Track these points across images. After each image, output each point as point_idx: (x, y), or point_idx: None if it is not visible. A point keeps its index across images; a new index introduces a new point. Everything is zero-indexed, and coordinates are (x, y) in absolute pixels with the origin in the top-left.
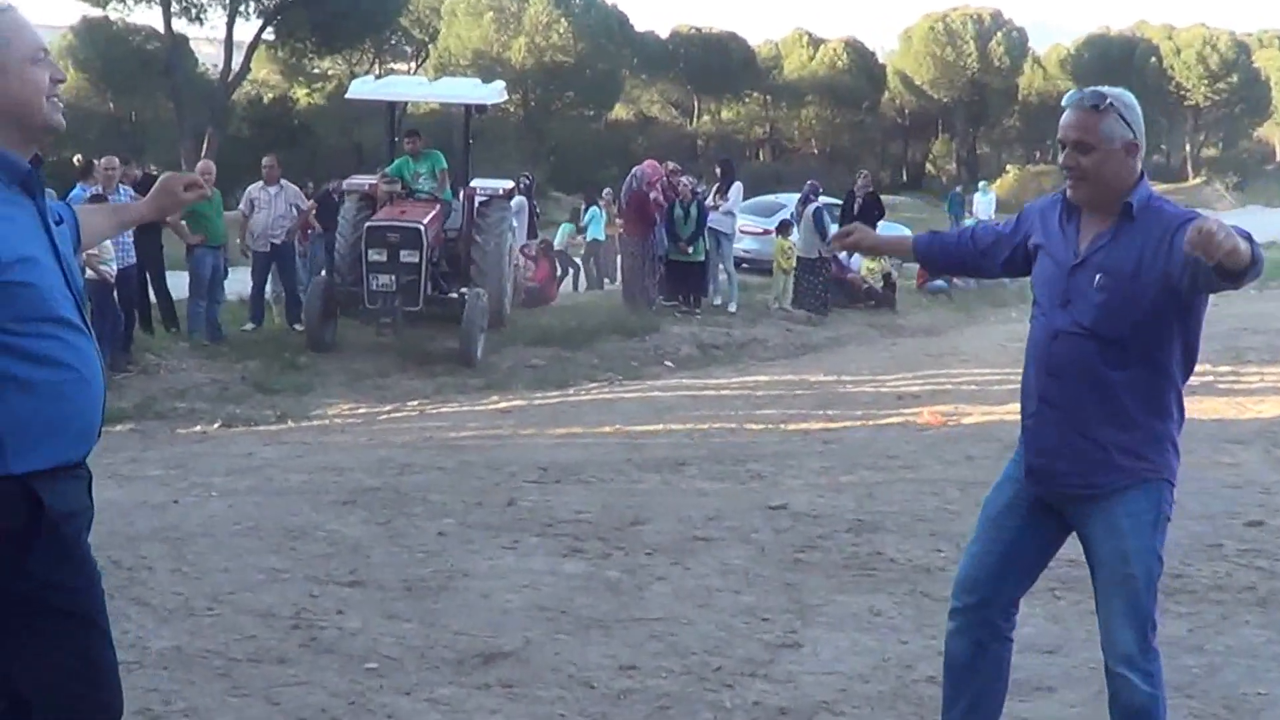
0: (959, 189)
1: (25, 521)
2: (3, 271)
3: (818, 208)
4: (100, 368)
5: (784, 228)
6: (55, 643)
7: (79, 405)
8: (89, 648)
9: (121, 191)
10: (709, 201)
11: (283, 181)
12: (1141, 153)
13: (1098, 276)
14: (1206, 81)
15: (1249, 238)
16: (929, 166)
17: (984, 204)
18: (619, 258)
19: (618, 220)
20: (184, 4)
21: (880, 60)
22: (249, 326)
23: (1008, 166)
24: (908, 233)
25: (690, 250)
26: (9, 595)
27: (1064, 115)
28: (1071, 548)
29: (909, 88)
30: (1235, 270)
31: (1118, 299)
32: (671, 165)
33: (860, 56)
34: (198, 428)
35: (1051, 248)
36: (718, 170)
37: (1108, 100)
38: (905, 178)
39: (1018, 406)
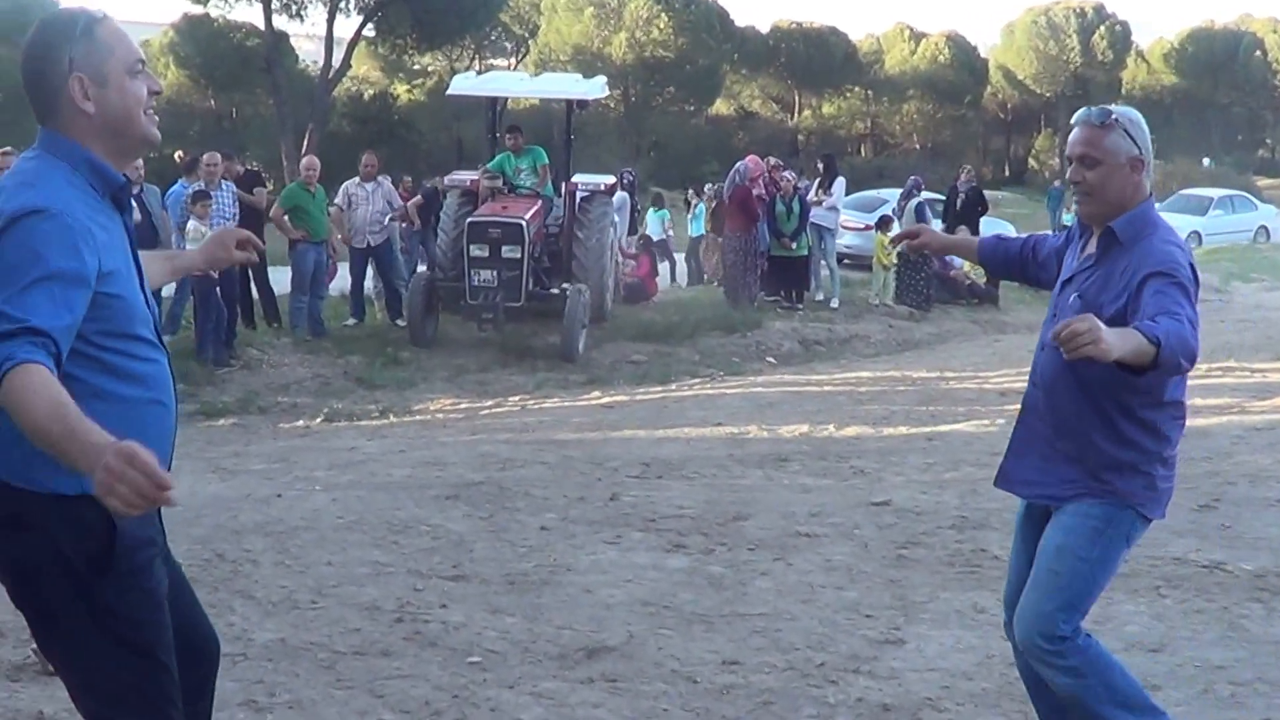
0: (1058, 184)
1: (102, 545)
2: (100, 281)
3: (920, 203)
4: (175, 393)
5: (884, 223)
6: (109, 671)
7: (160, 428)
8: (143, 679)
9: (224, 187)
10: (811, 197)
11: (379, 178)
12: (1148, 170)
13: (1074, 296)
14: None
15: (1161, 339)
16: (1032, 161)
17: None
18: (716, 253)
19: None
20: (284, 1)
21: (982, 54)
22: (350, 322)
23: None
24: (1010, 229)
25: (794, 245)
26: (71, 617)
27: (1072, 133)
28: (1175, 545)
29: (1011, 82)
30: (1135, 367)
31: None
32: (773, 161)
33: (962, 50)
34: (300, 422)
35: (1064, 263)
36: (820, 165)
37: (1113, 116)
38: (1008, 173)
39: None
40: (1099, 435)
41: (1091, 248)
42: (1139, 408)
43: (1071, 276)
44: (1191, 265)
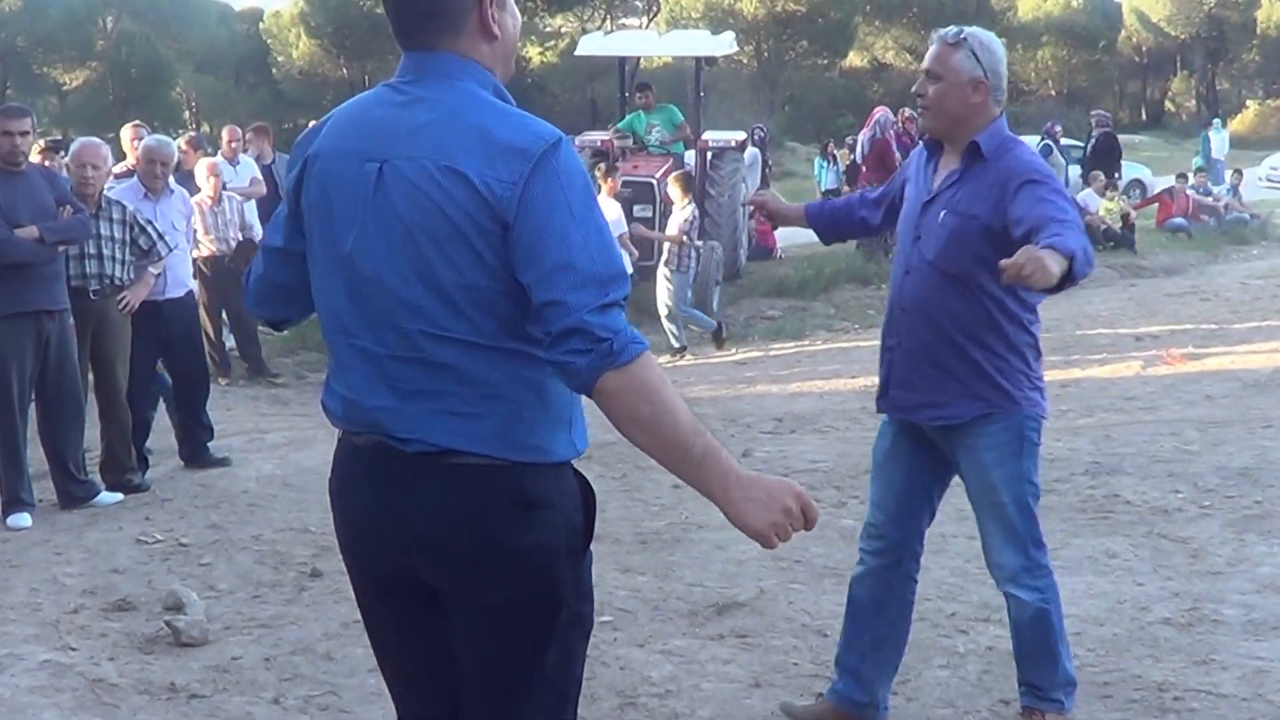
0: (1213, 122)
1: (586, 515)
2: None
3: (1045, 145)
4: None
5: None
6: (575, 659)
7: None
8: (583, 663)
9: None
10: None
11: None
12: (991, 93)
13: (943, 214)
14: None
15: (1071, 251)
16: (1168, 104)
17: (1217, 142)
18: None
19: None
20: None
21: None
22: None
23: (1247, 102)
24: (1147, 173)
25: None
26: (571, 601)
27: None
28: None
29: (1145, 25)
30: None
31: (959, 236)
32: (908, 113)
33: None
34: None
35: (913, 187)
36: None
37: (964, 36)
38: (1145, 116)
39: (1260, 345)
40: (986, 344)
41: (953, 165)
42: (1015, 308)
43: (935, 195)
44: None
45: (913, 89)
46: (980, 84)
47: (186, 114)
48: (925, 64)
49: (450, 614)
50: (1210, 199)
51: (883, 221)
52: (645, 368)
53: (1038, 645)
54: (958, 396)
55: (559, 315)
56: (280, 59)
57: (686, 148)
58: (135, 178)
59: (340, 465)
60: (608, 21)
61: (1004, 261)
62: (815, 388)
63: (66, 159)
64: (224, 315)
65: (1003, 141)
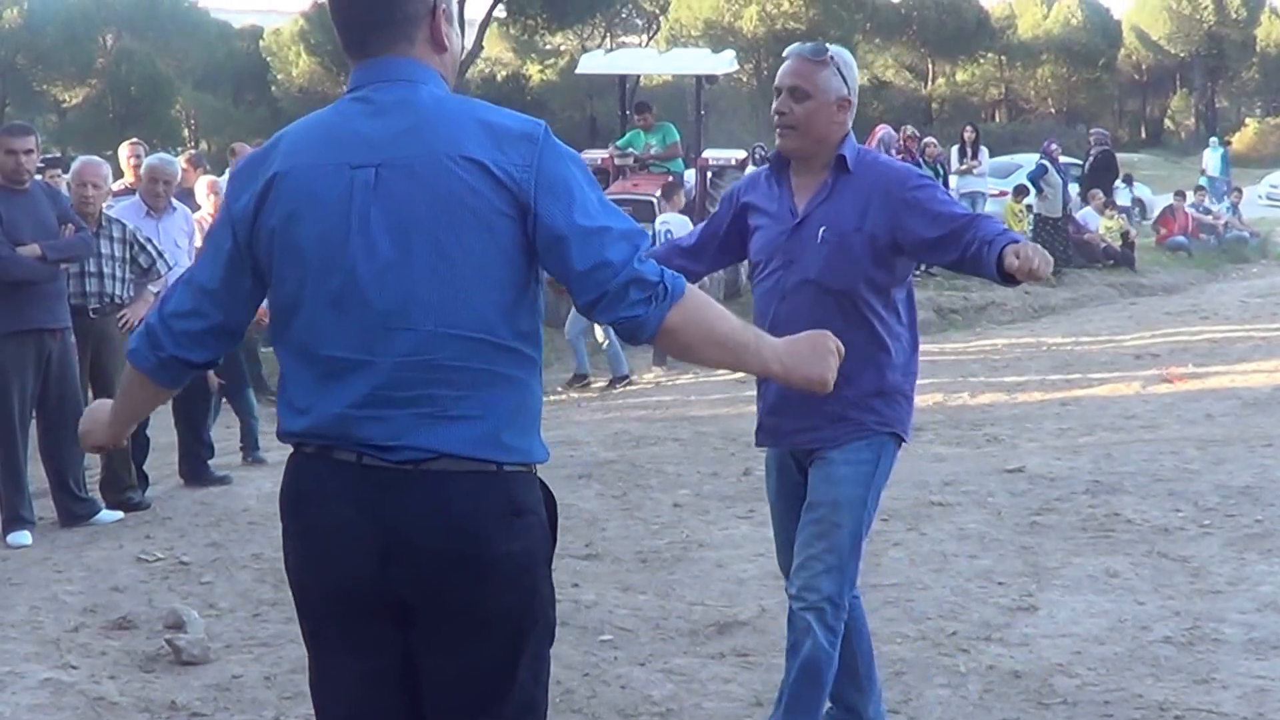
0: (1210, 140)
1: (553, 516)
2: None
3: (1039, 165)
4: None
5: (1018, 191)
6: (545, 669)
7: None
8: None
9: None
10: (961, 165)
11: None
12: (853, 111)
13: (821, 230)
14: None
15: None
16: (1168, 122)
17: (1213, 160)
18: None
19: None
20: None
21: (1115, 16)
22: None
23: (1246, 120)
24: (1147, 191)
25: None
26: (549, 608)
27: (783, 65)
28: None
29: (1145, 43)
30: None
31: (842, 251)
32: (909, 130)
33: (1095, 12)
34: None
35: (769, 212)
36: (965, 135)
37: (829, 53)
38: (1144, 135)
39: (1261, 364)
40: (863, 363)
41: (814, 184)
42: (896, 325)
43: (805, 217)
44: None
45: (773, 108)
46: (845, 102)
47: (186, 131)
48: (787, 81)
49: (423, 628)
50: (1210, 217)
51: (710, 265)
52: (693, 293)
53: (805, 690)
54: (831, 418)
55: (611, 273)
56: (280, 76)
57: (687, 165)
58: (136, 196)
59: (301, 478)
60: (608, 39)
61: (1014, 265)
62: None
63: (67, 177)
64: None
65: (859, 152)
